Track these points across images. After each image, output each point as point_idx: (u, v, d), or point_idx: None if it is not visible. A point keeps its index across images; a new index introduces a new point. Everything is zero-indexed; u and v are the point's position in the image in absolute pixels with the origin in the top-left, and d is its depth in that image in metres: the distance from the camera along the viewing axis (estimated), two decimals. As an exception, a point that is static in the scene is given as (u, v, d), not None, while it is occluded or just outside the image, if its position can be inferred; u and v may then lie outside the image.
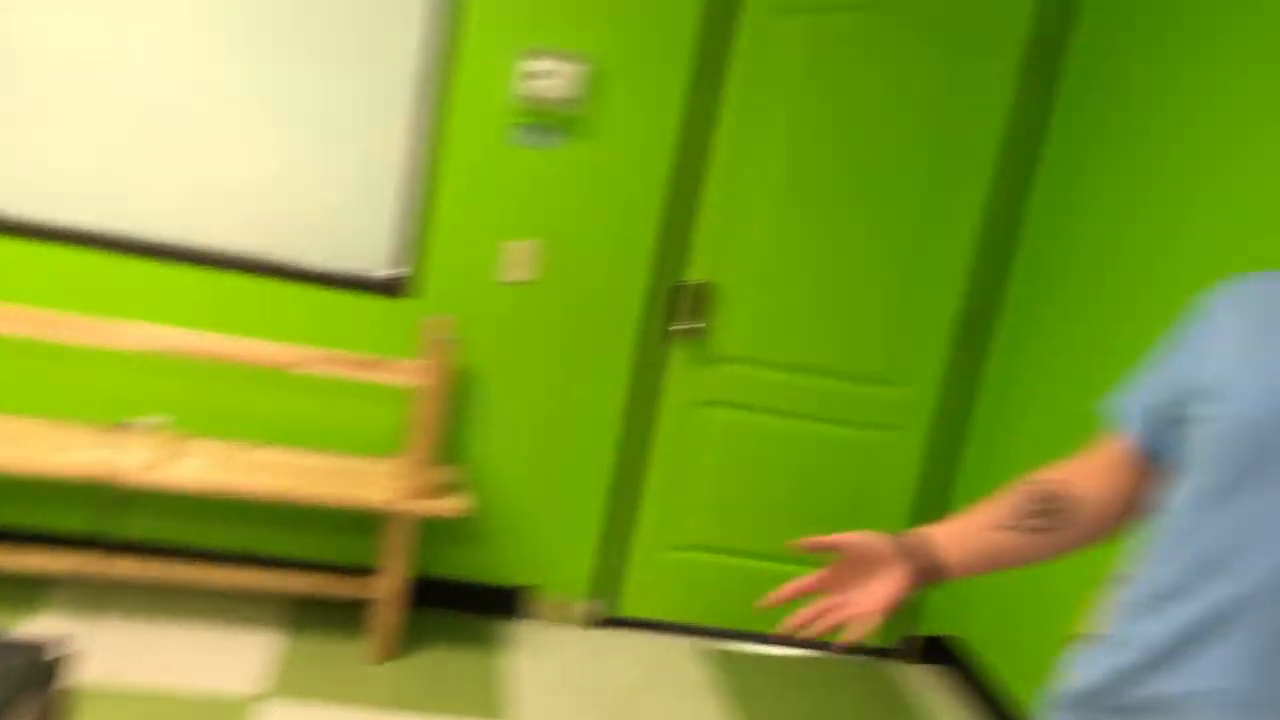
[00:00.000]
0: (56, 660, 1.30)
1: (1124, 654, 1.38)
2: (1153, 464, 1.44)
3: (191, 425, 3.25)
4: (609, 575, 3.57)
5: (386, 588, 3.08)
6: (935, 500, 3.68)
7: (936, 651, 3.74)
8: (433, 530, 3.43)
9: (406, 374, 3.15)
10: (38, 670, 1.25)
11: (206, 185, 3.13)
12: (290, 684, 2.92)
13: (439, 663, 3.17)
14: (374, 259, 3.26)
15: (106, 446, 2.97)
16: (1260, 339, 1.30)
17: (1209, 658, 1.27)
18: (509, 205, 3.26)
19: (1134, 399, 1.49)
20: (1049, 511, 1.49)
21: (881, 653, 3.76)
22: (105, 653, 2.89)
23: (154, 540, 3.30)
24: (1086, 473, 1.49)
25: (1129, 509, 1.47)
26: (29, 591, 3.11)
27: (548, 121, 3.21)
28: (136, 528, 3.29)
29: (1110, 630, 1.42)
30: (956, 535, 1.46)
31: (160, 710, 2.70)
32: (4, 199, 3.05)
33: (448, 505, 3.05)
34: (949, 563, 1.43)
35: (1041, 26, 3.38)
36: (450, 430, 3.38)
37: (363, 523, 3.40)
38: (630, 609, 3.61)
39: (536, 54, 3.14)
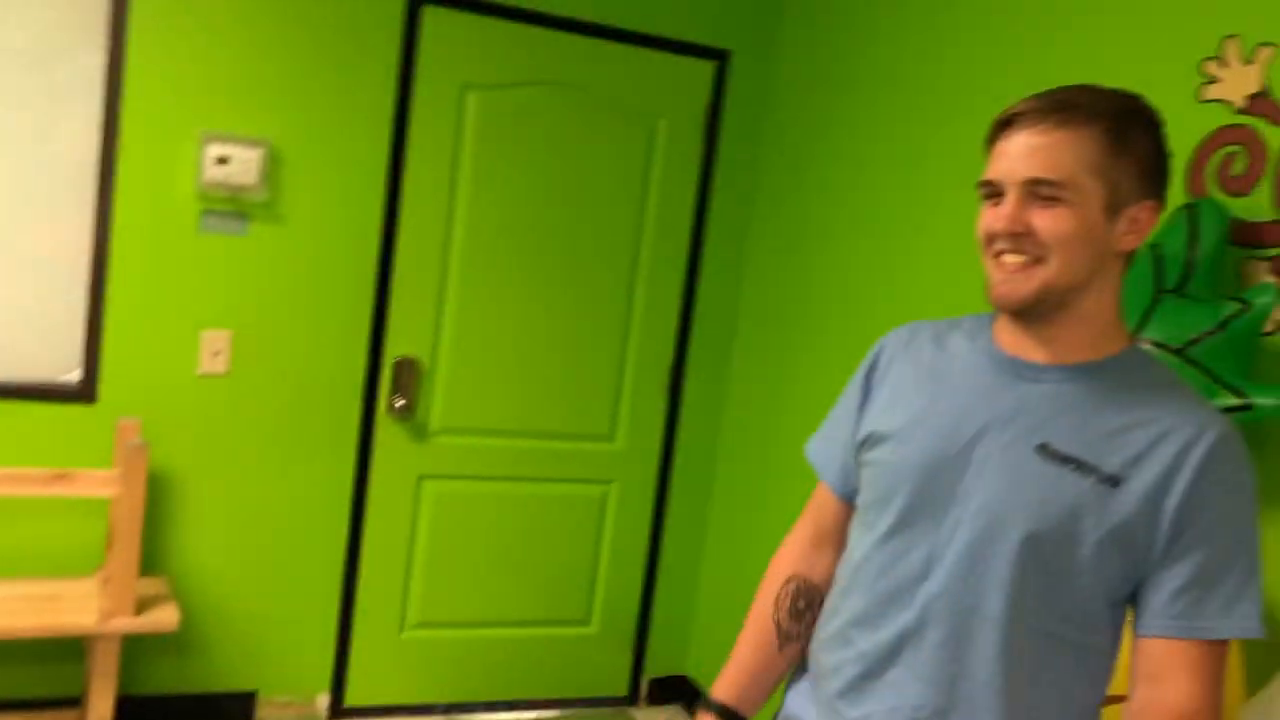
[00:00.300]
0: None
1: (827, 682, 1.54)
2: (853, 506, 1.62)
3: None
4: (333, 667, 3.48)
5: (92, 715, 2.86)
6: (640, 547, 3.85)
7: (667, 691, 3.90)
8: (143, 647, 3.21)
9: (98, 484, 2.95)
10: None
11: None
12: (-11, 841, 2.64)
13: (160, 788, 2.97)
14: (56, 363, 3.04)
15: None
16: (926, 386, 1.49)
17: (888, 680, 1.46)
18: (199, 296, 3.14)
19: (824, 450, 1.67)
20: (809, 606, 1.65)
21: (613, 701, 3.87)
22: None
23: None
24: (816, 545, 1.65)
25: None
26: None
27: (233, 208, 3.13)
28: None
29: (812, 661, 1.59)
30: (743, 682, 1.61)
31: None
32: None
33: (155, 620, 2.88)
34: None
35: (728, 93, 3.65)
36: (153, 537, 3.19)
37: (64, 650, 3.14)
38: (362, 697, 3.53)
39: (216, 139, 3.06)
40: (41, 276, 3.00)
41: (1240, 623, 1.32)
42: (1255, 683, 1.83)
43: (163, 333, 3.12)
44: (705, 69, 3.61)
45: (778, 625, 1.61)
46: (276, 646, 3.38)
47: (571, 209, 3.53)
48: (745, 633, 1.63)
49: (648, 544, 3.84)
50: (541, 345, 3.57)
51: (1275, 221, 2.04)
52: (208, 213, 3.11)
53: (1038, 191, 1.33)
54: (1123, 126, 1.34)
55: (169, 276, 3.10)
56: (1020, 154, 1.35)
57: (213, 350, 3.17)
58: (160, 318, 3.11)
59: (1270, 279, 2.02)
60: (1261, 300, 1.89)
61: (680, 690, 3.91)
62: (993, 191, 1.40)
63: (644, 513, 3.82)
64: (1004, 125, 1.38)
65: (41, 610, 2.82)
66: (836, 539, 1.63)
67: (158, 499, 3.18)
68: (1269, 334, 2.01)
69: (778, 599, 1.62)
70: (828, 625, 1.56)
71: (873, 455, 1.52)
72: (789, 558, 1.66)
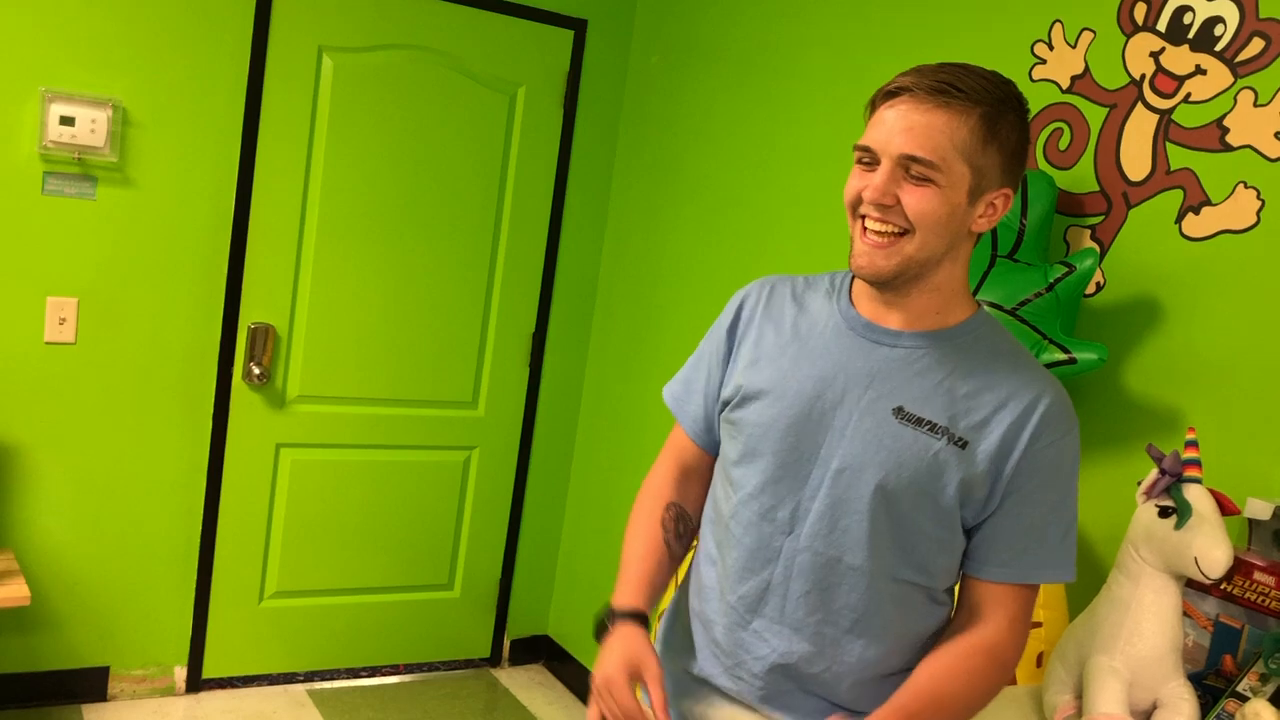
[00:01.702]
0: None
1: (705, 629, 1.63)
2: (712, 456, 1.71)
3: None
4: (190, 638, 3.42)
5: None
6: (501, 511, 3.90)
7: (528, 652, 3.98)
8: (-16, 624, 3.10)
9: None
10: None
11: None
12: None
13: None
14: (-119, 332, 2.88)
15: None
16: (789, 347, 1.58)
17: (755, 629, 1.55)
18: (44, 261, 3.02)
19: (684, 397, 1.73)
20: (687, 531, 1.72)
21: (476, 663, 3.92)
22: None
23: None
24: (684, 479, 1.72)
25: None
26: None
27: (79, 170, 3.02)
28: None
29: (695, 608, 1.67)
30: (646, 589, 1.60)
31: None
32: None
33: (3, 595, 2.78)
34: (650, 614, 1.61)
35: (585, 61, 3.70)
36: (-4, 512, 3.07)
37: (-107, 630, 3.00)
38: (221, 668, 3.48)
39: (60, 97, 2.94)
40: None
41: (1057, 571, 1.49)
42: (1075, 605, 2.03)
43: (6, 299, 2.99)
44: (564, 37, 3.66)
45: (668, 545, 1.66)
46: (131, 620, 3.31)
47: (431, 175, 3.53)
48: (636, 548, 1.64)
49: (509, 508, 3.89)
50: (401, 312, 3.56)
51: (1096, 192, 2.23)
52: (51, 174, 2.99)
53: (910, 168, 1.40)
54: (996, 115, 1.41)
55: (12, 240, 2.98)
56: (899, 128, 1.40)
57: (59, 317, 3.06)
58: (3, 283, 2.98)
59: (1092, 245, 2.21)
60: (1085, 264, 2.07)
61: (540, 650, 3.99)
62: (867, 158, 1.45)
63: (506, 478, 3.87)
64: (888, 95, 1.43)
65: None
66: (700, 476, 1.71)
67: (1, 472, 3.06)
68: (1090, 295, 2.21)
69: (663, 521, 1.67)
70: (700, 575, 1.65)
71: (739, 415, 1.58)
72: (663, 486, 1.70)
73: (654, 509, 1.67)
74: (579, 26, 3.67)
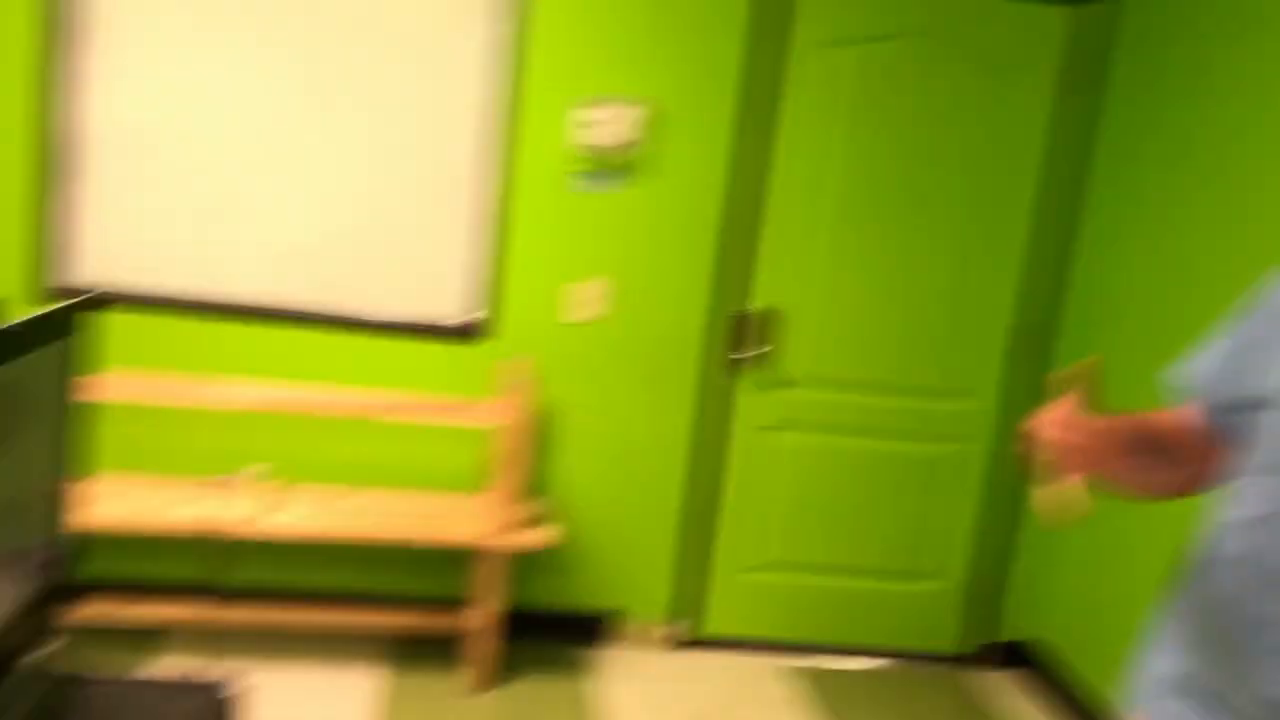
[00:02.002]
0: (229, 699, 1.43)
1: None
2: (1217, 446, 1.51)
3: (289, 474, 3.41)
4: (690, 597, 3.68)
5: (480, 621, 3.21)
6: (1003, 508, 3.75)
7: (1017, 656, 3.81)
8: (521, 562, 3.56)
9: (487, 415, 3.29)
10: (216, 708, 1.39)
11: (291, 244, 3.31)
12: (397, 718, 3.05)
13: (534, 691, 3.29)
14: (450, 306, 3.41)
15: (211, 499, 3.14)
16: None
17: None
18: (575, 247, 3.41)
19: (1200, 380, 1.54)
20: (1169, 447, 1.53)
21: (962, 660, 3.83)
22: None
23: (261, 585, 3.46)
24: (1178, 428, 1.55)
25: (1201, 477, 1.54)
26: (147, 640, 3.28)
27: (607, 166, 3.36)
28: (244, 574, 3.45)
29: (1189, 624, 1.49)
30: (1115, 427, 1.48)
31: (280, 747, 2.84)
32: (110, 272, 3.24)
33: (534, 538, 3.18)
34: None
35: (1076, 42, 3.47)
36: (533, 465, 3.51)
37: (455, 559, 3.54)
38: (712, 629, 3.72)
39: (596, 101, 3.29)
40: (445, 224, 3.36)
41: None
42: None
43: (547, 281, 3.41)
44: (1057, 16, 3.42)
45: (1147, 430, 1.51)
46: (639, 573, 3.63)
47: (941, 163, 3.49)
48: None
49: (1008, 508, 3.75)
50: (906, 300, 3.56)
51: None
52: (588, 171, 3.35)
53: None
54: None
55: (556, 227, 3.38)
56: None
57: (590, 298, 3.43)
58: (546, 267, 3.40)
59: None
60: None
61: (1026, 657, 3.80)
62: None
63: (1007, 476, 3.73)
64: None
65: (436, 522, 3.19)
66: (1193, 442, 1.53)
67: (541, 428, 3.49)
68: None
69: (1150, 419, 1.52)
70: (1188, 602, 1.48)
71: (1263, 416, 1.40)
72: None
73: (1168, 420, 1.52)
74: (1072, 4, 3.41)
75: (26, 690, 1.30)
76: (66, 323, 1.28)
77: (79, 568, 3.36)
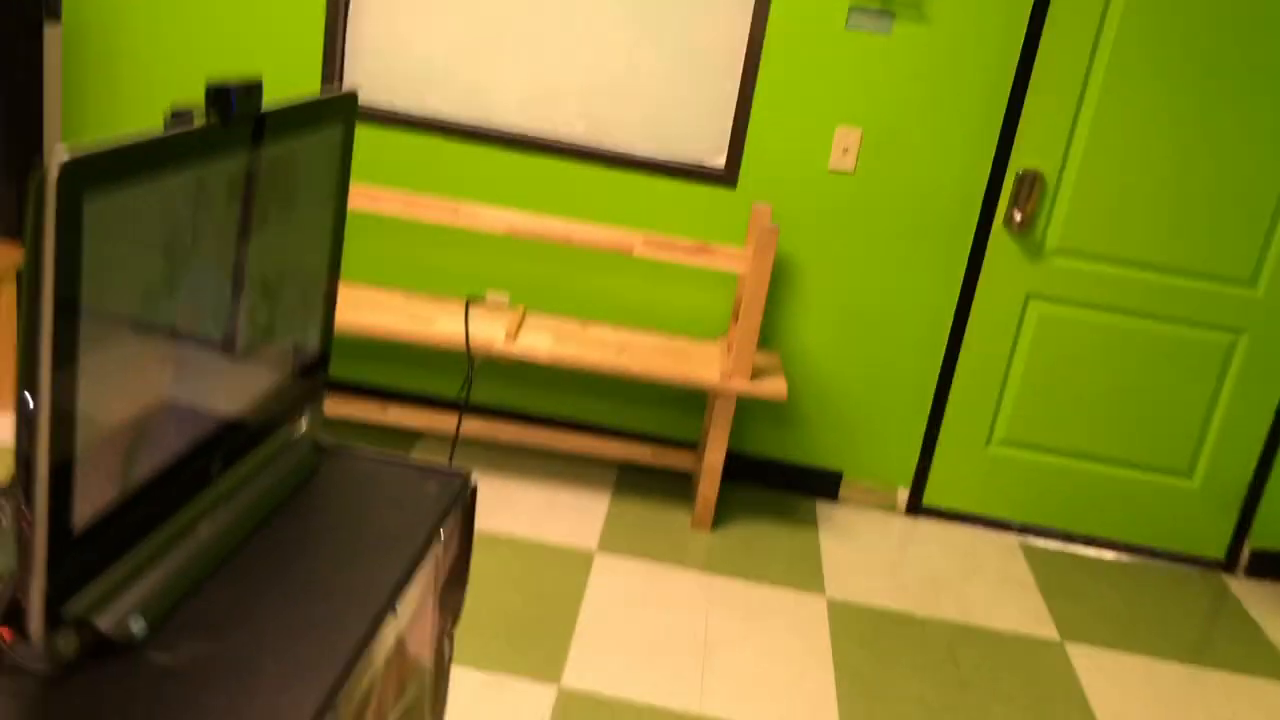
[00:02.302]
0: (471, 489, 1.50)
1: None
2: None
3: (537, 302, 3.52)
4: (921, 465, 3.60)
5: (707, 461, 3.26)
6: (1263, 406, 3.44)
7: (1272, 566, 3.54)
8: (752, 410, 3.57)
9: (732, 260, 3.26)
10: (460, 493, 1.45)
11: (553, 78, 3.33)
12: (620, 542, 3.17)
13: (754, 535, 3.33)
14: (705, 148, 3.36)
15: (461, 318, 3.28)
16: None
17: None
18: (836, 93, 3.26)
19: None
20: None
21: (1205, 563, 3.60)
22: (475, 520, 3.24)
23: (503, 405, 3.63)
24: None
25: None
26: (398, 442, 3.52)
27: (880, 5, 3.17)
28: (489, 393, 3.62)
29: None
30: None
31: (512, 552, 3.01)
32: (377, 91, 3.38)
33: (768, 387, 3.17)
34: None
35: None
36: (772, 315, 3.48)
37: (686, 399, 3.59)
38: (940, 499, 3.63)
39: (872, -64, 3.09)
40: (699, 67, 3.29)
41: None
42: None
43: (800, 127, 3.30)
44: None
45: None
46: (866, 434, 3.57)
47: (1231, 26, 3.10)
48: None
49: (1269, 407, 3.43)
50: (1184, 171, 3.24)
51: None
52: (855, 10, 3.18)
53: None
54: None
55: (812, 73, 3.25)
56: None
57: (843, 147, 3.30)
58: (799, 112, 3.29)
59: None
60: None
61: (1274, 568, 3.53)
62: None
63: (1275, 370, 3.40)
64: None
65: (672, 361, 3.23)
66: None
67: (779, 279, 3.44)
68: None
69: None
70: None
71: None
72: None
73: None
74: None
75: (286, 454, 1.40)
76: (335, 112, 1.32)
77: (331, 366, 3.62)
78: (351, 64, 3.36)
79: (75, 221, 0.86)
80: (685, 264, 3.43)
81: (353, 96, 1.36)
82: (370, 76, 3.36)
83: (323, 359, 1.47)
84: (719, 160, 3.36)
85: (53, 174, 0.83)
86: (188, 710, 0.98)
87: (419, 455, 3.47)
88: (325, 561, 1.24)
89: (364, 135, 3.39)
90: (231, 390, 1.22)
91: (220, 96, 1.04)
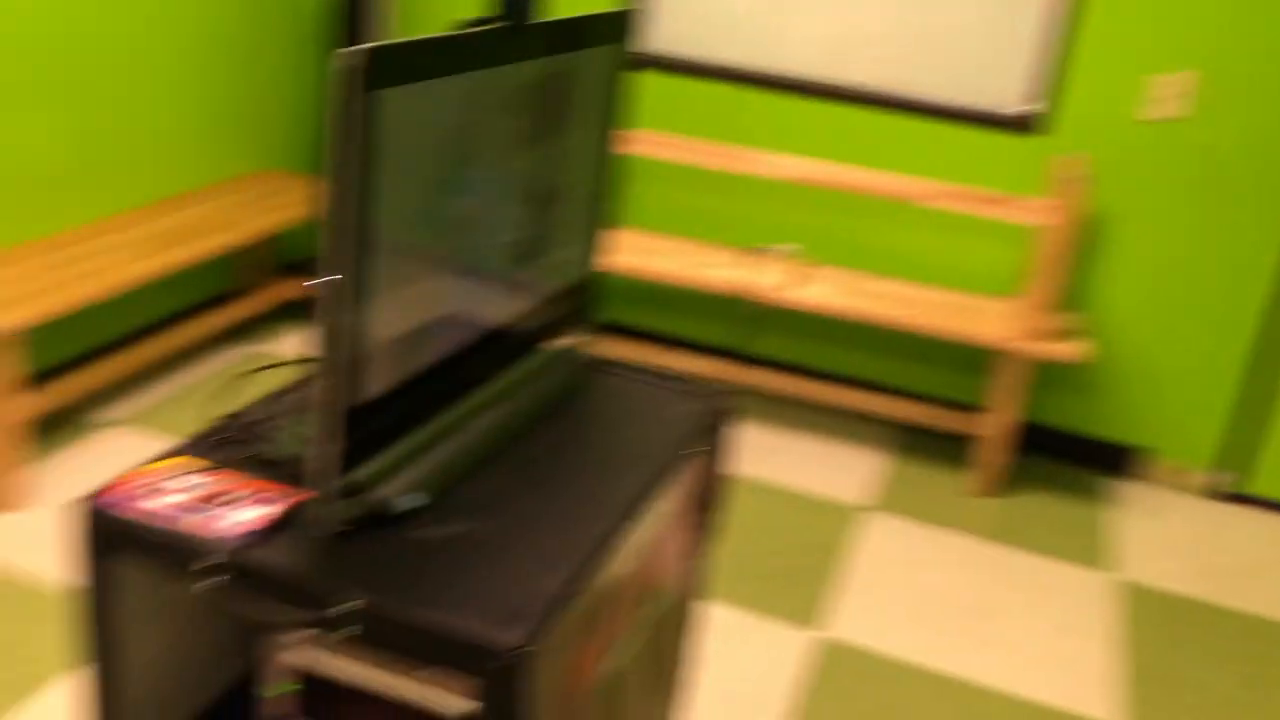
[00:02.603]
0: (729, 412, 1.51)
1: None
2: None
3: (819, 253, 3.48)
4: (1240, 447, 3.28)
5: (993, 426, 3.12)
6: None
7: None
8: (1045, 375, 3.38)
9: (1033, 213, 3.09)
10: (717, 414, 1.47)
11: (850, 24, 3.26)
12: (893, 501, 3.10)
13: (1040, 506, 3.16)
14: (1006, 94, 3.19)
15: (743, 267, 3.29)
16: None
17: None
18: (1159, 35, 3.00)
19: None
20: None
21: None
22: (736, 446, 3.28)
23: (781, 357, 3.63)
24: None
25: None
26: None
27: (1220, -63, 2.88)
28: (767, 345, 3.63)
29: None
30: None
31: (782, 501, 3.01)
32: (679, 41, 3.43)
33: (1065, 350, 2.98)
34: None
35: None
36: (1073, 274, 3.27)
37: (974, 360, 3.44)
38: (1262, 487, 3.30)
39: None
40: (1001, 6, 3.12)
41: None
42: None
43: (1119, 71, 3.06)
44: None
45: None
46: (1175, 409, 3.29)
47: None
48: None
49: None
50: None
51: None
52: (1190, -59, 2.91)
53: None
54: None
55: (1137, 12, 3.00)
56: None
57: (1170, 93, 3.03)
58: (1117, 54, 3.05)
59: None
60: None
61: None
62: None
63: None
64: None
65: (961, 318, 3.10)
66: None
67: (1086, 236, 3.22)
68: None
69: None
70: None
71: None
72: None
73: None
74: None
75: (558, 364, 1.47)
76: (618, 28, 1.35)
77: (618, 311, 3.73)
78: (658, 14, 3.43)
79: (368, 113, 0.94)
80: (980, 216, 3.28)
81: (635, 14, 1.38)
82: (674, 26, 3.42)
83: (596, 278, 1.52)
84: (1023, 107, 3.18)
85: (348, 67, 0.90)
86: (447, 578, 1.05)
87: (699, 400, 3.52)
88: (583, 464, 1.29)
89: (663, 85, 3.46)
90: (507, 295, 1.29)
91: (513, 2, 1.09)
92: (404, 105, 0.98)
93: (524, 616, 1.00)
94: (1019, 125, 3.19)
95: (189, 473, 1.13)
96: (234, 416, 1.26)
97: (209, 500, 1.09)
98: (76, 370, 2.87)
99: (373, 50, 0.92)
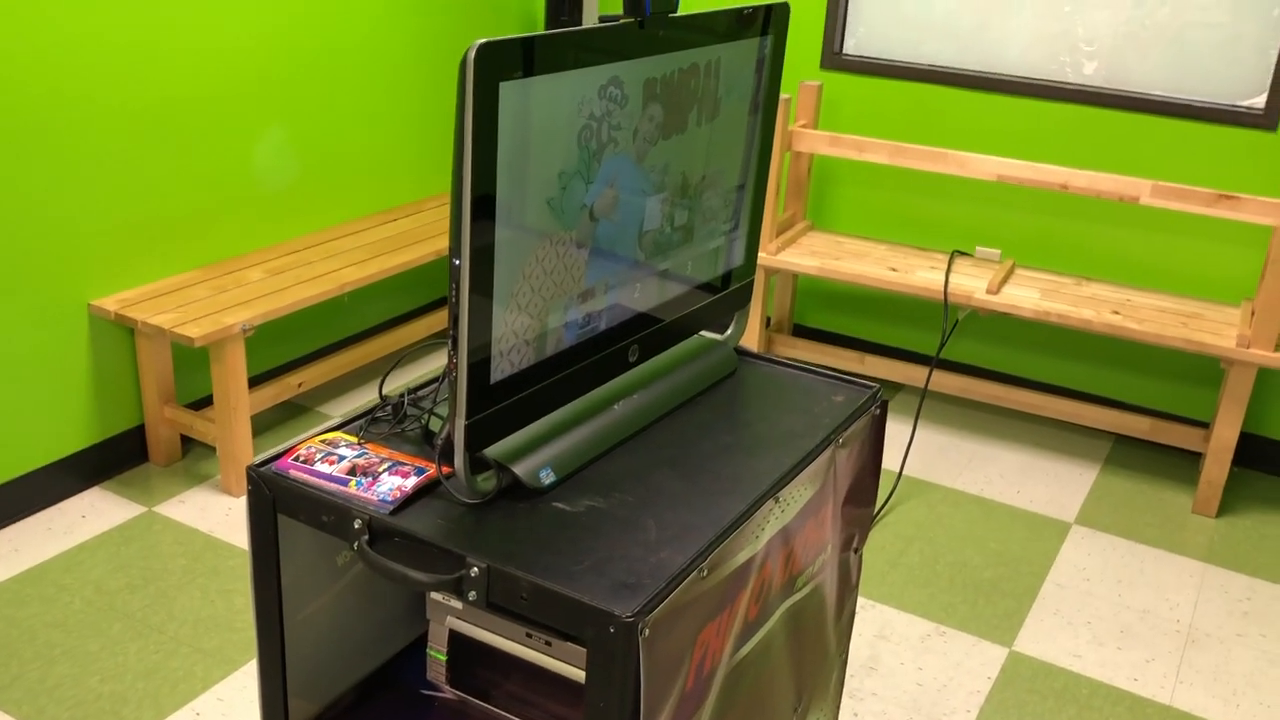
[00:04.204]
0: (881, 403, 1.49)
1: None
2: None
3: (1026, 256, 3.34)
4: None
5: (1216, 439, 2.90)
6: None
7: None
8: (1271, 386, 3.12)
9: (1262, 212, 2.86)
10: (866, 406, 1.45)
11: (1064, 17, 3.12)
12: (1102, 516, 2.93)
13: (1260, 526, 2.92)
14: (1237, 87, 2.98)
15: (942, 271, 3.20)
16: None
17: None
18: None
19: None
20: None
21: None
22: (932, 454, 3.19)
23: (987, 364, 3.50)
24: None
25: None
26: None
27: None
28: (972, 351, 3.52)
29: None
30: None
31: (981, 512, 2.91)
32: (874, 42, 3.38)
33: (1298, 359, 2.75)
34: None
35: None
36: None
37: (1193, 370, 3.22)
38: None
39: None
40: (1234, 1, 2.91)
41: None
42: None
43: None
44: None
45: None
46: None
47: None
48: None
49: None
50: None
51: None
52: None
53: None
54: None
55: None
56: None
57: None
58: None
59: None
60: None
61: None
62: None
63: None
64: None
65: (1180, 325, 2.90)
66: None
67: (1324, 239, 2.96)
68: None
69: None
70: None
71: None
72: None
73: None
74: None
75: (706, 354, 1.49)
76: (761, 23, 1.36)
77: (812, 316, 3.70)
78: (853, 17, 3.40)
79: (492, 103, 0.99)
80: (1203, 214, 3.07)
81: (785, 8, 1.39)
82: (870, 28, 3.38)
83: (748, 273, 1.53)
84: (1257, 100, 2.96)
85: (470, 59, 0.96)
86: (572, 549, 1.09)
87: (898, 407, 3.45)
88: (723, 448, 1.31)
89: (858, 86, 3.42)
90: (647, 285, 1.32)
91: (635, -2, 1.13)
92: (527, 96, 1.03)
93: (639, 589, 1.03)
94: (1252, 119, 2.97)
95: (342, 446, 1.22)
96: (389, 396, 1.35)
97: (356, 471, 1.17)
98: (301, 367, 3.11)
99: (494, 44, 0.97)
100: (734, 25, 1.31)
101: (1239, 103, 2.98)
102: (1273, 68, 2.92)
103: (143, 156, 2.72)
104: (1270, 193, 2.98)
